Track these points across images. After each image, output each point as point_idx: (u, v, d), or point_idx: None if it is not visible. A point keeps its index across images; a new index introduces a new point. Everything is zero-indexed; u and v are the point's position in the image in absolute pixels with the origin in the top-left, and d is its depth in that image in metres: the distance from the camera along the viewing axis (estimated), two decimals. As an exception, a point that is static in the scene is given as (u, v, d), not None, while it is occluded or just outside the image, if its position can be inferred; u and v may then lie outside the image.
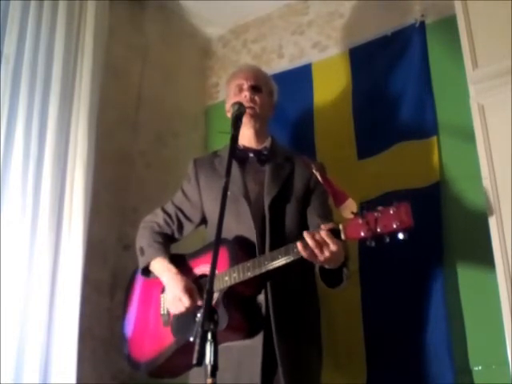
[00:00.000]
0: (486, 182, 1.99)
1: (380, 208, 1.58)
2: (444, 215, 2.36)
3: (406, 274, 2.34)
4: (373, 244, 1.60)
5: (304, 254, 1.69)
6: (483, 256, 2.09)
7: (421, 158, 2.47)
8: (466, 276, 2.28)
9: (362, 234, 1.60)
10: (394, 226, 1.55)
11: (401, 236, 1.55)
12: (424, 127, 2.50)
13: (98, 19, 2.46)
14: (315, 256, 1.69)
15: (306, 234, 1.68)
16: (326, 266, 1.77)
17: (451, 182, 2.40)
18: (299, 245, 1.68)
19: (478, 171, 2.04)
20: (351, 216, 1.64)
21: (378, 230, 1.57)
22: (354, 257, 2.36)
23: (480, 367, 2.17)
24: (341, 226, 1.67)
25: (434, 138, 2.46)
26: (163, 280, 2.01)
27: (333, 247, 1.67)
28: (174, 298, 1.94)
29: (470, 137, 2.12)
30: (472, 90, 2.13)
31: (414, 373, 2.24)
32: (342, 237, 1.67)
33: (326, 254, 1.68)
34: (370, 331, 2.37)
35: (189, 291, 1.93)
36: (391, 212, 1.56)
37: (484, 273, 2.15)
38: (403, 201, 1.57)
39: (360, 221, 1.60)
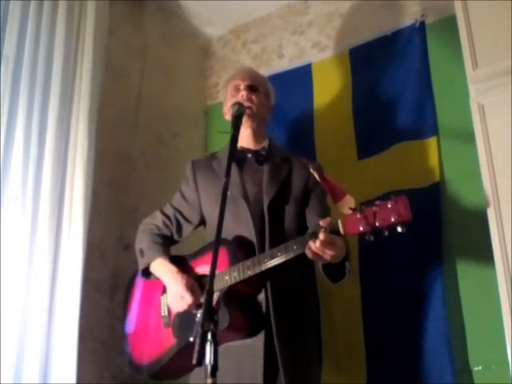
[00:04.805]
0: (486, 182, 1.99)
1: (378, 202, 1.59)
2: (444, 215, 2.36)
3: (406, 274, 2.34)
4: (372, 238, 1.61)
5: (310, 256, 1.71)
6: (483, 256, 2.09)
7: (421, 158, 2.47)
8: (466, 276, 2.28)
9: (361, 228, 1.61)
10: (393, 220, 1.56)
11: (399, 229, 1.56)
12: (424, 127, 2.50)
13: (98, 19, 2.45)
14: (321, 257, 1.71)
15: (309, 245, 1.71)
16: (331, 262, 1.78)
17: (451, 182, 2.40)
18: (307, 251, 1.70)
19: (477, 171, 2.04)
20: (349, 212, 1.65)
21: (377, 224, 1.58)
22: (353, 256, 2.36)
23: (480, 367, 2.17)
24: (340, 222, 1.68)
25: (434, 138, 2.46)
26: (164, 280, 2.01)
27: (338, 243, 1.70)
28: (176, 295, 1.94)
29: (469, 137, 2.12)
30: (472, 90, 2.13)
31: (413, 373, 2.24)
32: (341, 232, 1.68)
33: (332, 252, 1.69)
34: (369, 331, 2.37)
35: (191, 289, 1.93)
36: (389, 206, 1.57)
37: (484, 272, 2.15)
38: (401, 195, 1.58)
39: (358, 215, 1.62)
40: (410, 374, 2.24)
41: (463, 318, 2.24)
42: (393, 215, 1.56)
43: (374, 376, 2.31)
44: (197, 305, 1.91)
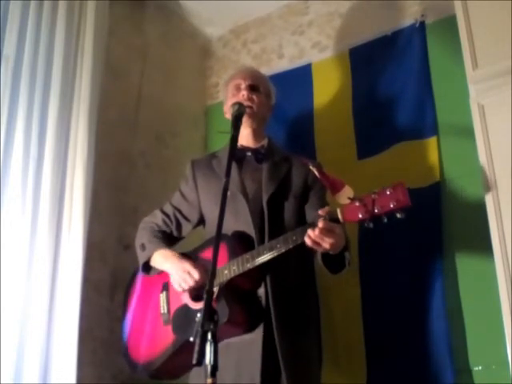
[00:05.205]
0: (486, 182, 1.99)
1: (377, 190, 1.60)
2: (444, 215, 2.36)
3: (407, 274, 2.34)
4: (371, 225, 1.62)
5: (310, 244, 1.71)
6: (483, 255, 2.09)
7: (421, 157, 2.47)
8: (466, 275, 2.28)
9: (360, 215, 1.62)
10: (391, 206, 1.57)
11: (398, 215, 1.57)
12: (424, 127, 2.50)
13: (98, 19, 2.45)
14: (321, 245, 1.71)
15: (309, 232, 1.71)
16: (331, 252, 1.79)
17: (451, 182, 2.40)
18: (307, 239, 1.70)
19: (477, 171, 2.04)
20: (348, 201, 1.66)
21: (376, 210, 1.59)
22: (353, 256, 2.36)
23: (480, 367, 2.17)
24: (338, 210, 1.69)
25: (434, 138, 2.46)
26: (167, 266, 2.01)
27: (337, 231, 1.70)
28: (184, 270, 1.93)
29: (469, 137, 2.12)
30: (472, 90, 2.13)
31: (413, 373, 2.24)
32: (340, 219, 1.68)
33: (331, 240, 1.69)
34: (370, 331, 2.37)
35: (197, 268, 1.93)
36: (388, 193, 1.59)
37: (484, 272, 2.14)
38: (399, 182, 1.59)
39: (357, 203, 1.63)
40: (410, 374, 2.24)
41: (463, 317, 2.24)
42: (391, 201, 1.57)
43: (374, 376, 2.31)
44: (198, 290, 1.91)
